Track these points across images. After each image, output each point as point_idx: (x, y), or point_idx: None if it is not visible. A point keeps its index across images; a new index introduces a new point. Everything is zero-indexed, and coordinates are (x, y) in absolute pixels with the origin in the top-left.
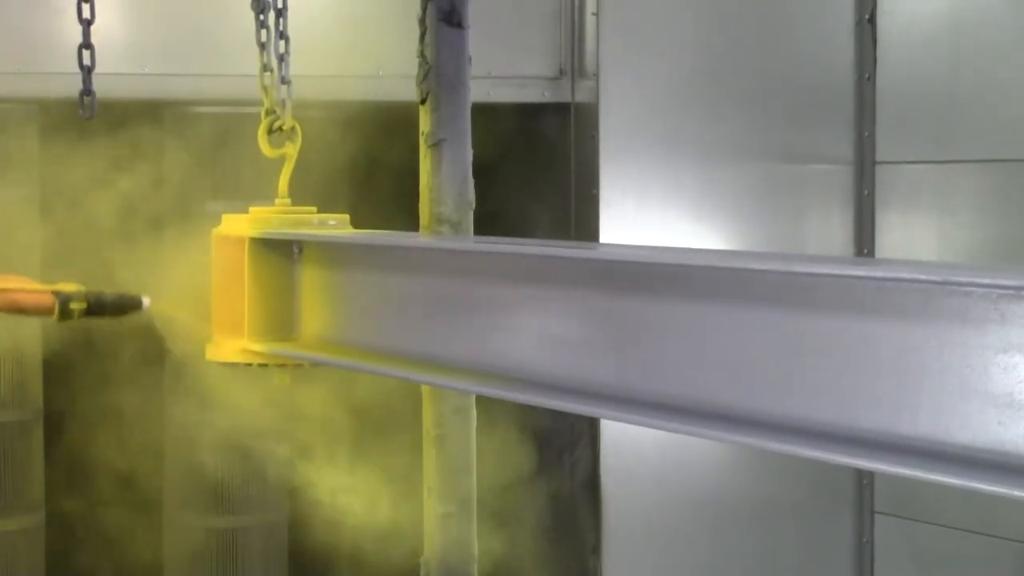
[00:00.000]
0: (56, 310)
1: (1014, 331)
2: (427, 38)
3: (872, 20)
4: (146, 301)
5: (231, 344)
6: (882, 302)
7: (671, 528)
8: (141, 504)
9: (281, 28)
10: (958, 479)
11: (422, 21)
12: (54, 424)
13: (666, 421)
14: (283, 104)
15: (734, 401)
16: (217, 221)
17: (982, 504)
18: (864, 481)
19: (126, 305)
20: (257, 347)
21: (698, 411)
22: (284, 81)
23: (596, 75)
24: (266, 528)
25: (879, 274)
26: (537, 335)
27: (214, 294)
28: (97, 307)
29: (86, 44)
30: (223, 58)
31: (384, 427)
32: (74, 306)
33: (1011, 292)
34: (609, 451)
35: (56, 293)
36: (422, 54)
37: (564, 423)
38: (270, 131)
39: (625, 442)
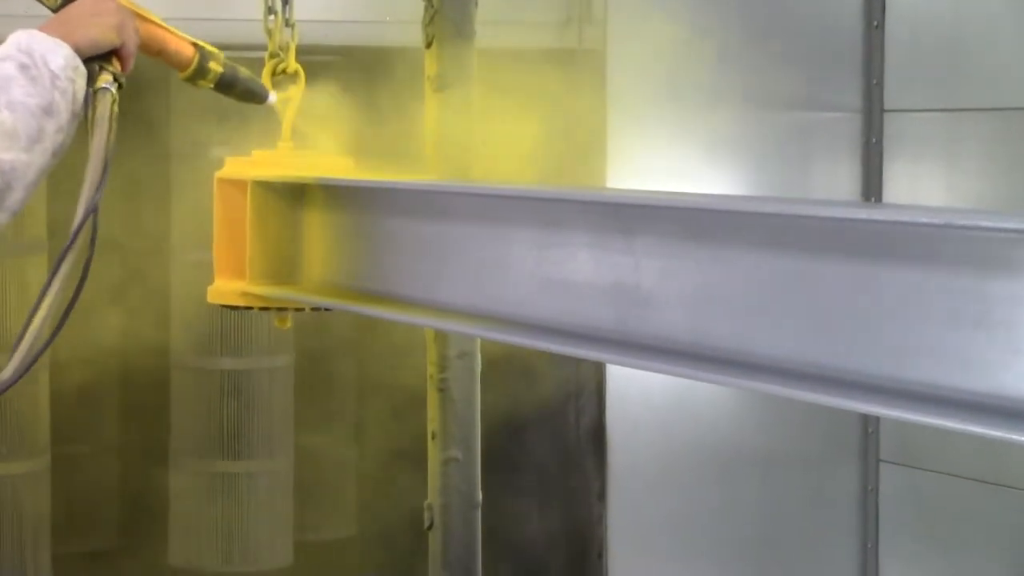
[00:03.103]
0: (194, 64)
1: (1015, 275)
2: None
3: None
4: (272, 97)
5: (233, 287)
6: (884, 246)
7: (676, 476)
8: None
9: None
10: (957, 423)
11: None
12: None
13: (667, 364)
14: (287, 47)
15: (735, 345)
16: (221, 165)
17: (989, 453)
18: (870, 429)
19: (254, 93)
20: (258, 290)
21: (699, 355)
22: (288, 24)
23: (604, 21)
24: (271, 474)
25: (881, 217)
26: (539, 279)
27: (216, 237)
28: (230, 80)
29: None
30: (230, 2)
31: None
32: (212, 66)
33: (1012, 236)
34: (615, 398)
35: (197, 47)
36: None
37: (570, 369)
38: (274, 74)
39: (631, 390)
